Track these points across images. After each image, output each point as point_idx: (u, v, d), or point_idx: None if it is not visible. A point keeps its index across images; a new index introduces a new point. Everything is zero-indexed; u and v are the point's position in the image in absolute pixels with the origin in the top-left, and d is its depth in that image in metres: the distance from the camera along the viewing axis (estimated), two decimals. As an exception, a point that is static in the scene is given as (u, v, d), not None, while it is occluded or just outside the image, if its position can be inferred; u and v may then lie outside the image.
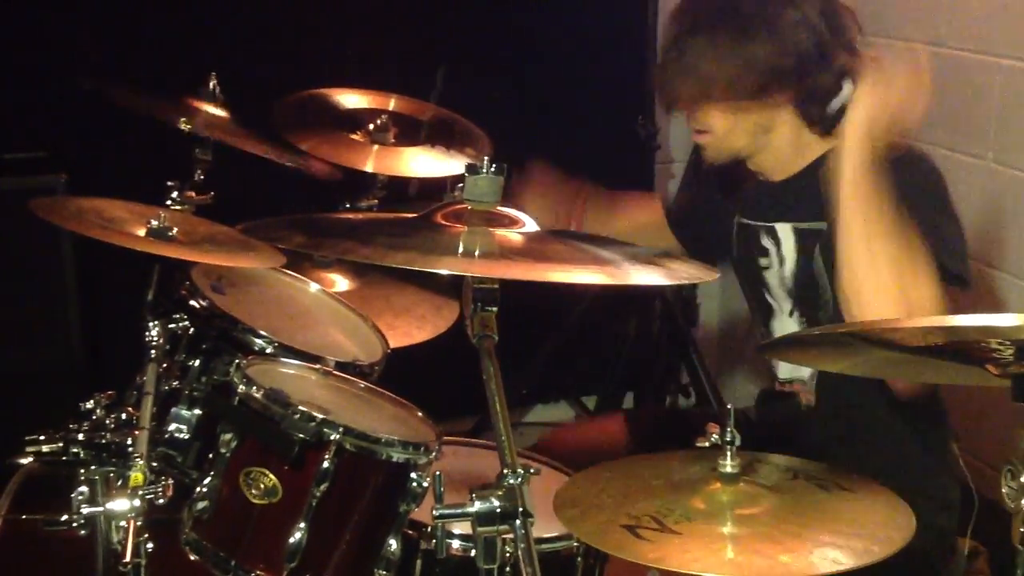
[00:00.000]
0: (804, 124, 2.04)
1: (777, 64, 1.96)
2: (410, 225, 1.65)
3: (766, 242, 2.15)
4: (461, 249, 1.50)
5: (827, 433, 2.08)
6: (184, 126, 2.31)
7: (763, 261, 2.15)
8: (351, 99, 2.80)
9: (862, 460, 1.70)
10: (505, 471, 1.42)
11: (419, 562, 1.78)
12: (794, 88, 1.99)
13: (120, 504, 1.66)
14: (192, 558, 1.73)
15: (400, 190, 2.65)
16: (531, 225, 1.61)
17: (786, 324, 2.16)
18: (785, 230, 2.11)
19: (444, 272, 1.49)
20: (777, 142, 2.07)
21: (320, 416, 1.68)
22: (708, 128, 2.07)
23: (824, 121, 2.02)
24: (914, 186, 1.93)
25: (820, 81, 1.98)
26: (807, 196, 2.05)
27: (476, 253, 1.50)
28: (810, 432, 2.09)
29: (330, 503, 1.68)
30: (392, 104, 2.80)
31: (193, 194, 2.27)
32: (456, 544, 1.77)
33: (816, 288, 2.08)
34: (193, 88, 2.41)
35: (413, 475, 1.73)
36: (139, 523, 1.65)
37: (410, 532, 1.76)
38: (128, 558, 1.63)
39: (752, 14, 1.97)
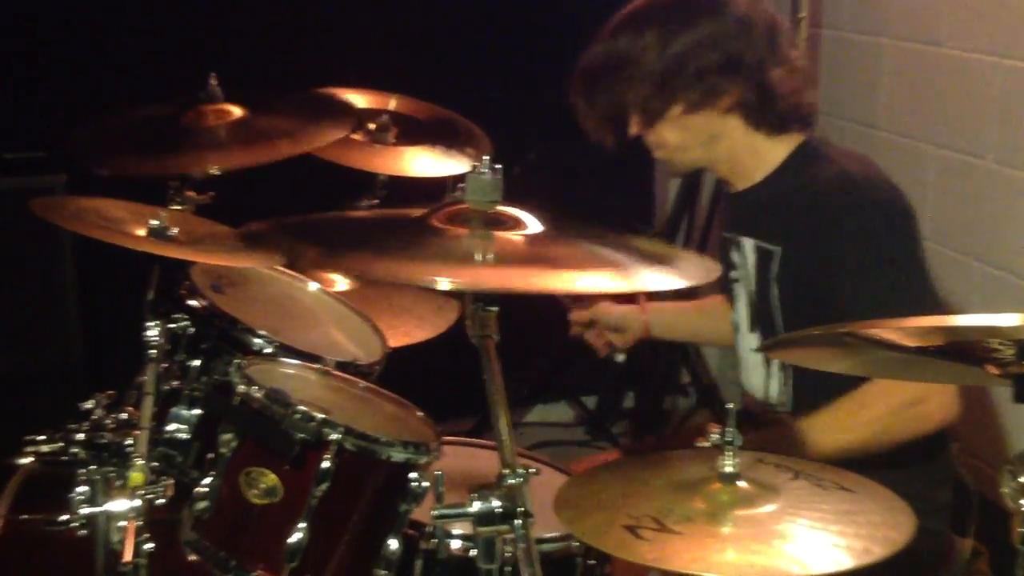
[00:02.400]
0: (752, 128, 2.05)
1: (706, 72, 1.99)
2: (416, 231, 1.63)
3: (735, 255, 2.15)
4: (476, 258, 1.49)
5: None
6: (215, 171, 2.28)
7: (733, 274, 2.16)
8: (351, 99, 2.80)
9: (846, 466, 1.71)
10: (505, 471, 1.42)
11: (419, 562, 1.78)
12: (734, 94, 2.01)
13: (120, 504, 1.66)
14: (192, 558, 1.73)
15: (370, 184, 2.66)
16: (534, 225, 1.60)
17: (747, 339, 2.16)
18: (749, 245, 2.12)
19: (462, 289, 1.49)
20: (731, 149, 2.08)
21: (320, 416, 1.68)
22: (661, 143, 2.10)
23: (772, 123, 2.04)
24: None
25: (756, 85, 2.01)
26: (767, 212, 2.08)
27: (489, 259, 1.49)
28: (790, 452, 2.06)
29: (330, 503, 1.68)
30: (392, 104, 2.80)
31: (193, 194, 2.27)
32: (456, 544, 1.77)
33: (771, 317, 2.08)
34: (193, 88, 2.40)
35: (413, 475, 1.72)
36: (139, 523, 1.65)
37: (410, 532, 1.76)
38: (128, 558, 1.63)
39: (678, 24, 2.01)
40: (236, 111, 2.37)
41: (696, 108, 2.02)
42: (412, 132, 2.74)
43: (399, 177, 2.66)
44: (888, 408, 1.95)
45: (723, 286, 2.22)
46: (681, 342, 3.51)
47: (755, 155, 2.08)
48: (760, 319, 2.11)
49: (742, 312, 2.16)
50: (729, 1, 2.02)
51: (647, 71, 2.00)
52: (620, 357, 2.48)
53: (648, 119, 2.05)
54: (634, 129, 2.08)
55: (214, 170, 2.23)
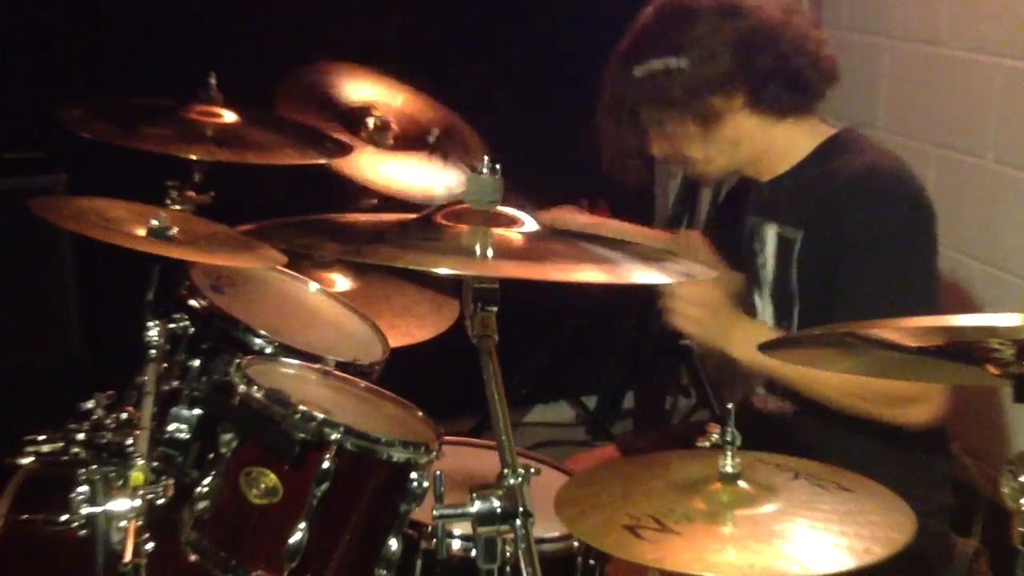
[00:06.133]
0: (769, 119, 2.06)
1: (713, 77, 2.00)
2: (426, 227, 1.64)
3: (758, 241, 2.16)
4: (476, 251, 1.50)
5: (809, 445, 2.05)
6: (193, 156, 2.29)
7: (759, 260, 2.16)
8: (358, 90, 2.76)
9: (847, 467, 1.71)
10: (505, 471, 1.42)
11: (419, 562, 1.78)
12: (739, 95, 2.02)
13: (120, 504, 1.65)
14: (192, 558, 1.73)
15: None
16: (530, 224, 1.61)
17: None
18: (771, 231, 2.12)
19: (471, 274, 1.50)
20: (753, 148, 2.10)
21: (321, 416, 1.68)
22: (687, 160, 2.12)
23: (787, 107, 2.05)
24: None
25: (759, 81, 2.01)
26: (792, 199, 2.08)
27: (487, 253, 1.50)
28: (791, 446, 2.07)
29: (331, 503, 1.68)
30: (400, 100, 2.77)
31: (193, 194, 2.27)
32: (456, 544, 1.77)
33: (790, 301, 2.09)
34: (193, 88, 2.41)
35: (413, 475, 1.72)
36: (139, 523, 1.65)
37: (410, 532, 1.76)
38: (128, 558, 1.63)
39: (675, 43, 2.01)
40: (229, 115, 2.37)
41: (713, 121, 2.03)
42: (411, 135, 2.73)
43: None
44: (885, 394, 1.94)
45: (748, 275, 2.22)
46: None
47: (779, 147, 2.09)
48: (778, 306, 2.12)
49: (762, 299, 2.16)
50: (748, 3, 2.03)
51: (661, 96, 2.02)
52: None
53: (670, 141, 2.08)
54: (657, 152, 2.10)
55: (191, 155, 2.25)
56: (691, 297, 2.01)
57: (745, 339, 1.95)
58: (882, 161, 2.03)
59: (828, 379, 1.93)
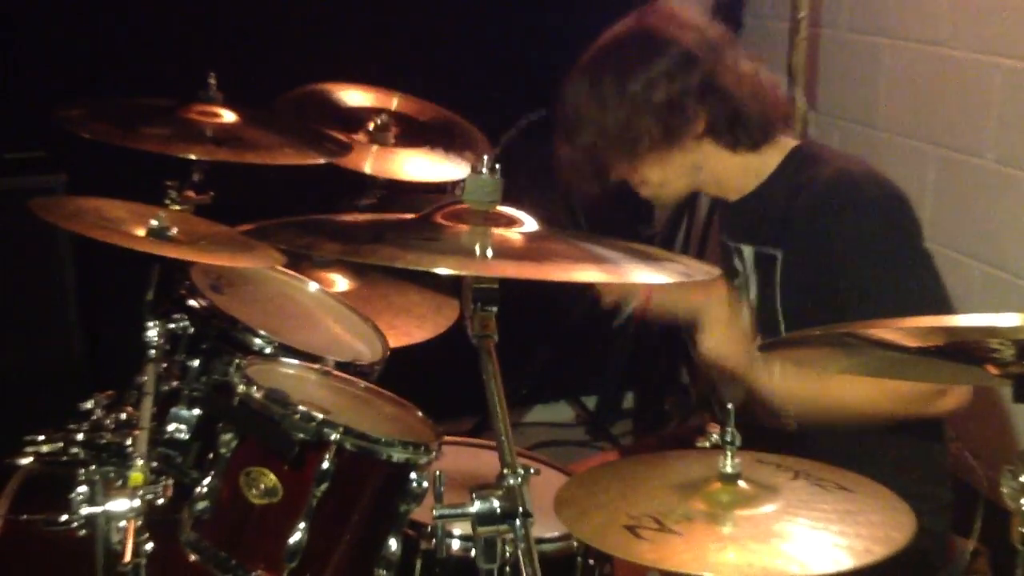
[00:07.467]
0: (730, 149, 2.05)
1: (667, 109, 1.99)
2: (428, 226, 1.64)
3: (736, 262, 2.15)
4: (476, 251, 1.50)
5: (804, 442, 2.03)
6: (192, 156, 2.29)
7: (738, 280, 2.16)
8: (354, 96, 2.79)
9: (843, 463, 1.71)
10: (505, 471, 1.42)
11: (419, 562, 1.78)
12: (702, 121, 2.02)
13: (120, 504, 1.66)
14: (192, 558, 1.73)
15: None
16: (530, 224, 1.61)
17: None
18: (748, 251, 2.12)
19: (472, 274, 1.50)
20: (715, 172, 2.09)
21: (320, 416, 1.68)
22: (644, 182, 2.11)
23: (747, 139, 2.05)
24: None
25: (720, 108, 2.01)
26: (765, 218, 2.08)
27: (487, 253, 1.50)
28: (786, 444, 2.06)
29: (330, 503, 1.68)
30: (395, 103, 2.79)
31: (192, 194, 2.27)
32: (456, 544, 1.77)
33: (775, 319, 2.08)
34: (193, 88, 2.41)
35: (413, 475, 1.72)
36: (139, 523, 1.65)
37: (410, 532, 1.76)
38: (128, 558, 1.63)
39: (627, 68, 2.01)
40: (229, 115, 2.37)
41: (668, 144, 2.02)
42: (412, 133, 2.74)
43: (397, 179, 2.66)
44: (914, 393, 1.93)
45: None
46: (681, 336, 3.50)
47: (743, 170, 2.09)
48: (763, 324, 2.11)
49: (745, 318, 2.15)
50: (677, 33, 2.02)
51: (612, 118, 2.01)
52: (623, 316, 2.43)
53: (624, 163, 2.07)
54: (614, 174, 2.09)
55: (191, 155, 2.25)
56: (726, 332, 2.01)
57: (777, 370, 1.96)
58: (851, 166, 2.03)
59: (857, 396, 1.93)
